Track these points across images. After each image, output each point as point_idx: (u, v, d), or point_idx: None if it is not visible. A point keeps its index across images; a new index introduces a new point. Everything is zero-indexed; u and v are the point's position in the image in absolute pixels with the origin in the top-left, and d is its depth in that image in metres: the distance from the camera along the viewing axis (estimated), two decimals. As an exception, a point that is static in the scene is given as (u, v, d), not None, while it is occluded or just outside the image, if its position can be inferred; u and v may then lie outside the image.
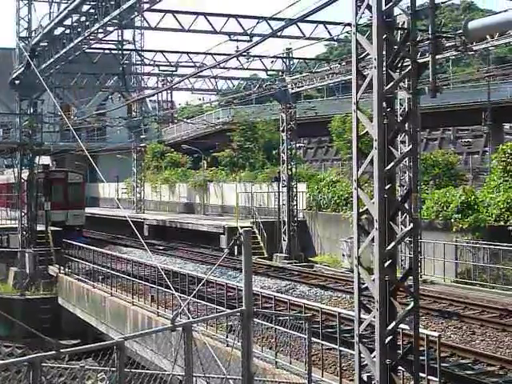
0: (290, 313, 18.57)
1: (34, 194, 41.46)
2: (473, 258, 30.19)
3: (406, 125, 13.65)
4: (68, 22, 30.82)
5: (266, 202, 49.89)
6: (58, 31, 32.76)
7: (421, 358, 12.92)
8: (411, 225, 12.79)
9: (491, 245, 29.53)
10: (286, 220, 42.02)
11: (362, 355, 12.71)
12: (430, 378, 13.78)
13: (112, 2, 26.03)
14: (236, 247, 11.40)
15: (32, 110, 41.26)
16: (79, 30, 29.98)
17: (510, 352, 19.17)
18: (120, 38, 42.52)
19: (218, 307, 21.43)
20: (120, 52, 41.31)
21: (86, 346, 9.47)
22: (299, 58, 40.10)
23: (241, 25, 29.55)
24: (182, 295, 21.03)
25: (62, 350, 8.36)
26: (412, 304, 12.56)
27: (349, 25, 24.81)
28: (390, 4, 12.31)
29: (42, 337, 9.27)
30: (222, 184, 58.83)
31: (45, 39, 34.55)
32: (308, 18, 25.33)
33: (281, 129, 43.24)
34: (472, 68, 65.38)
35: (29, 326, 10.47)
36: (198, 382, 13.06)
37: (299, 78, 40.22)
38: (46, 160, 52.58)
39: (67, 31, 31.76)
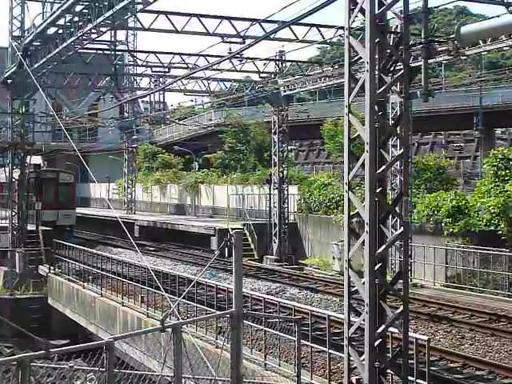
0: (280, 315, 18.57)
1: (25, 194, 41.37)
2: (463, 262, 30.24)
3: (398, 128, 13.69)
4: (61, 21, 30.78)
5: (257, 204, 49.89)
6: (51, 31, 32.72)
7: (410, 361, 12.95)
8: (402, 228, 12.83)
9: (481, 249, 29.59)
10: (277, 222, 42.03)
11: (351, 358, 12.74)
12: (418, 381, 13.78)
13: (105, 3, 26.00)
14: (227, 249, 11.43)
15: (24, 110, 41.16)
16: (72, 30, 29.92)
17: (499, 356, 19.21)
18: (113, 39, 42.60)
19: (207, 309, 21.42)
20: (113, 52, 41.29)
21: (76, 346, 9.48)
22: (292, 61, 40.09)
23: (234, 27, 29.53)
24: (171, 296, 21.03)
25: (51, 350, 8.36)
26: (402, 307, 12.60)
27: (342, 28, 24.86)
28: (383, 8, 12.35)
29: (32, 336, 9.26)
30: (213, 186, 58.80)
31: (38, 39, 34.51)
32: (301, 21, 25.40)
33: (273, 131, 43.26)
34: (464, 73, 65.55)
35: (18, 325, 10.45)
36: (186, 383, 13.05)
37: (292, 80, 40.25)
38: (37, 160, 52.52)
39: (60, 31, 31.73)
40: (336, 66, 35.96)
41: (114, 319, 27.06)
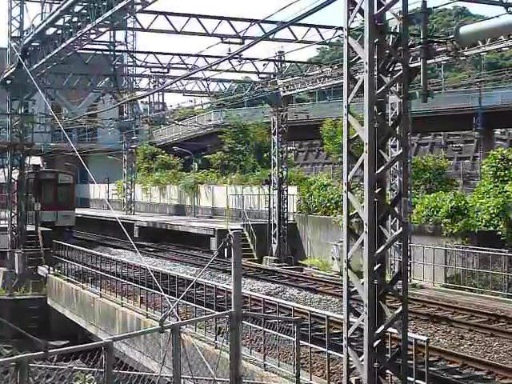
0: (279, 315, 18.56)
1: (24, 195, 41.36)
2: (462, 262, 30.23)
3: (397, 129, 13.68)
4: (60, 22, 30.76)
5: (256, 204, 49.91)
6: (50, 31, 32.71)
7: (409, 361, 12.95)
8: (401, 229, 12.82)
9: (481, 250, 29.59)
10: (277, 223, 42.00)
11: (350, 358, 12.74)
12: (417, 382, 13.78)
13: (104, 3, 25.97)
14: (226, 249, 11.42)
15: (23, 110, 41.14)
16: (71, 30, 29.91)
17: (498, 357, 19.19)
18: (112, 39, 42.59)
19: (207, 309, 21.42)
20: (112, 53, 41.30)
21: (75, 347, 9.45)
22: (291, 61, 40.07)
23: (233, 27, 29.50)
24: (171, 297, 21.03)
25: (50, 351, 8.34)
26: (401, 308, 12.59)
27: (341, 28, 24.87)
28: (382, 8, 12.35)
29: (31, 337, 9.24)
30: (212, 186, 58.79)
31: (37, 39, 34.49)
32: (300, 22, 25.38)
33: (272, 132, 43.25)
34: (463, 73, 65.52)
35: (17, 326, 10.44)
36: (185, 383, 13.04)
37: (291, 81, 40.25)
38: (36, 160, 52.52)
39: (59, 31, 31.70)
40: (335, 67, 35.95)
41: (113, 320, 27.05)
